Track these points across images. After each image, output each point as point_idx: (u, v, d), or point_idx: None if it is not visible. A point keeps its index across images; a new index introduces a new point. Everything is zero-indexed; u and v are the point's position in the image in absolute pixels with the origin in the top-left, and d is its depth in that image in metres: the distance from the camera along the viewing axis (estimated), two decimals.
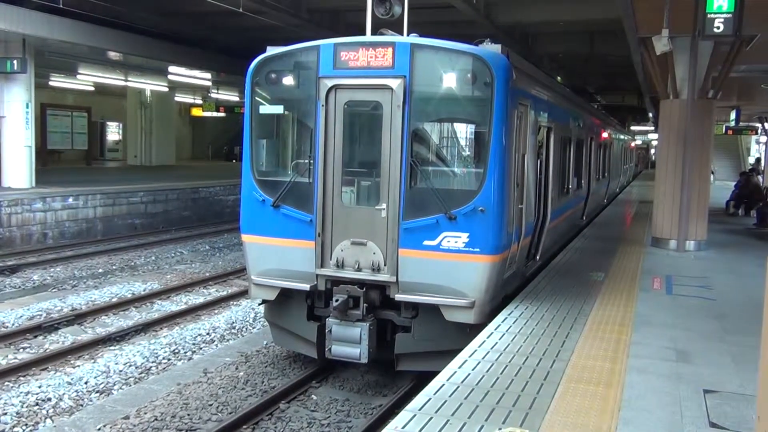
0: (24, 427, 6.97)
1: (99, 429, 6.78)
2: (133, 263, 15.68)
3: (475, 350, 6.14)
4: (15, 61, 17.63)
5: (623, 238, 14.02)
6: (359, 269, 7.55)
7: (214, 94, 33.40)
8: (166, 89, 32.22)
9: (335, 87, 7.60)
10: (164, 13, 19.96)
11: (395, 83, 7.35)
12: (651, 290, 9.00)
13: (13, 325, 10.41)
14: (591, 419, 4.69)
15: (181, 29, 21.37)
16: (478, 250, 7.21)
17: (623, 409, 4.91)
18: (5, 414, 7.19)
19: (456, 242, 7.25)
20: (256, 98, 8.12)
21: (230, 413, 7.22)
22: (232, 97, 34.08)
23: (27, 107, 18.68)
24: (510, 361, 5.86)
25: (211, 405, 7.44)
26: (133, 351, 9.32)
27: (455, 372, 5.55)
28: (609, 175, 21.70)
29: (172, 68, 25.27)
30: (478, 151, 7.61)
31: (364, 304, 7.46)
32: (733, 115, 28.41)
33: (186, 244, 18.76)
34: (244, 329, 10.64)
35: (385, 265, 7.48)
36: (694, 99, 11.84)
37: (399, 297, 7.44)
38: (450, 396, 5.03)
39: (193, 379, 8.21)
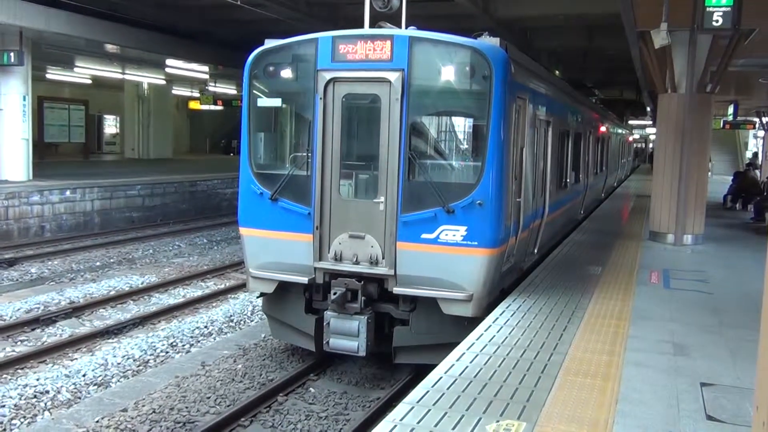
0: (22, 420, 6.98)
1: (97, 421, 6.78)
2: (130, 256, 15.67)
3: (473, 343, 6.15)
4: (12, 54, 17.56)
5: (621, 232, 14.04)
6: (357, 262, 7.55)
7: (212, 88, 33.31)
8: (164, 82, 32.13)
9: (333, 80, 7.58)
10: (162, 6, 19.89)
11: (393, 76, 7.33)
12: (648, 284, 9.02)
13: (11, 318, 10.41)
14: (588, 412, 4.71)
15: (178, 22, 21.28)
16: (476, 243, 7.21)
17: (620, 401, 4.92)
18: (3, 406, 7.19)
19: (454, 235, 7.25)
20: (254, 91, 8.10)
21: (228, 406, 7.23)
22: (229, 90, 33.99)
23: (24, 100, 18.62)
24: (508, 354, 5.87)
25: (209, 398, 7.45)
26: (131, 344, 9.32)
27: (453, 365, 5.56)
28: (607, 169, 21.71)
29: (169, 61, 25.17)
30: (477, 144, 7.60)
31: (362, 297, 7.46)
32: (731, 110, 28.43)
33: (184, 237, 18.74)
34: (242, 322, 10.65)
35: (383, 258, 7.49)
36: (692, 93, 11.83)
37: (397, 290, 7.44)
38: (448, 389, 5.04)
39: (191, 371, 8.22)
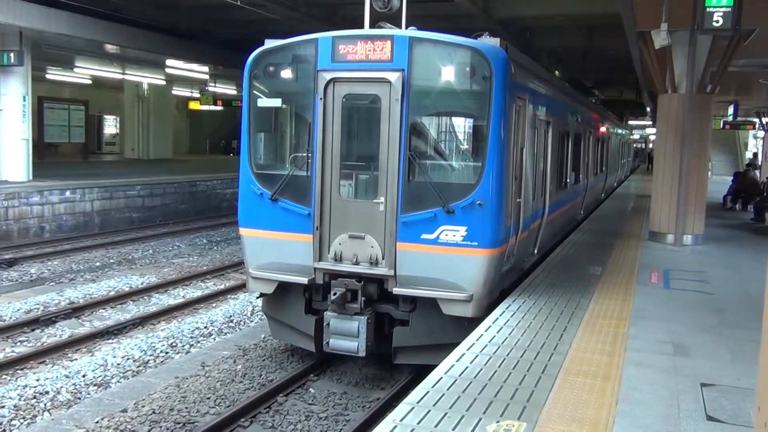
0: (22, 420, 6.97)
1: (97, 422, 6.78)
2: (130, 257, 15.67)
3: (473, 343, 6.14)
4: (12, 54, 17.57)
5: (621, 232, 14.03)
6: (357, 263, 7.55)
7: (212, 88, 33.31)
8: (164, 83, 32.12)
9: (333, 80, 7.58)
10: (162, 6, 19.90)
11: (393, 76, 7.33)
12: (649, 284, 9.02)
13: (10, 318, 10.40)
14: (589, 412, 4.70)
15: (178, 22, 21.27)
16: (476, 243, 7.21)
17: (621, 402, 4.92)
18: (3, 407, 7.19)
19: (454, 236, 7.25)
20: (254, 91, 8.09)
21: (228, 406, 7.22)
22: (229, 90, 33.99)
23: (24, 100, 18.62)
24: (508, 355, 5.87)
25: (208, 398, 7.44)
26: (131, 344, 9.32)
27: (453, 365, 5.55)
28: (607, 169, 21.72)
29: (169, 61, 25.18)
30: (477, 144, 7.59)
31: (362, 298, 7.45)
32: (730, 110, 28.43)
33: (183, 237, 18.74)
34: (241, 323, 10.64)
35: (383, 258, 7.48)
36: (692, 93, 11.84)
37: (397, 290, 7.44)
38: (448, 389, 5.04)
39: (190, 372, 8.22)
